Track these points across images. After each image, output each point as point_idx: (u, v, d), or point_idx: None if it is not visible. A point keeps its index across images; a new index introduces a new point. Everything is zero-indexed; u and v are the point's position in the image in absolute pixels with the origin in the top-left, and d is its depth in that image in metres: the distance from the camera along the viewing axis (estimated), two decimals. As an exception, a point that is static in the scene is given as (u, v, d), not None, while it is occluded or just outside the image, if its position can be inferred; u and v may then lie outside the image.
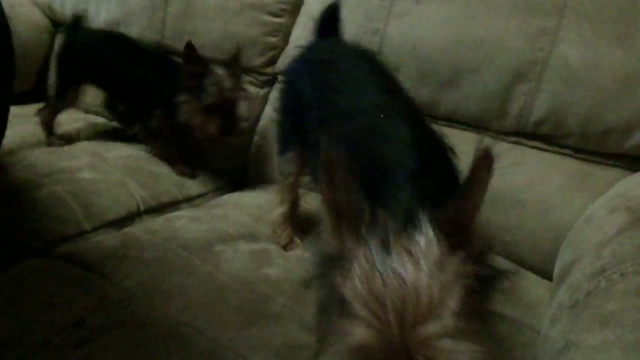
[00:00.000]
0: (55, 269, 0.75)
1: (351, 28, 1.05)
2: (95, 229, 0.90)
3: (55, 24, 1.51)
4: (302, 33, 1.14)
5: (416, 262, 0.41)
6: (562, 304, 0.62)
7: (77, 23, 1.24)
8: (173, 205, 1.04)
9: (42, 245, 0.83)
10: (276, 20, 1.17)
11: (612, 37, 0.85)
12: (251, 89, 1.19)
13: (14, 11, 1.39)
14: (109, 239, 0.86)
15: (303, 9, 1.16)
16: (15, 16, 1.39)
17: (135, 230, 0.89)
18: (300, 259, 0.84)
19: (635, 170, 0.87)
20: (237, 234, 0.89)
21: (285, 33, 1.18)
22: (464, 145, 0.96)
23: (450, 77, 0.98)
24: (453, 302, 0.39)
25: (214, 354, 0.63)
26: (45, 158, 1.07)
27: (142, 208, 0.99)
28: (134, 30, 1.30)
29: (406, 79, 1.01)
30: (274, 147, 1.11)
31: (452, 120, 1.01)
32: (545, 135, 0.94)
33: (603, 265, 0.59)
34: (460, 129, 1.01)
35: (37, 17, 1.49)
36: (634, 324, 0.46)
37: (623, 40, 0.85)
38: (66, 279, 0.73)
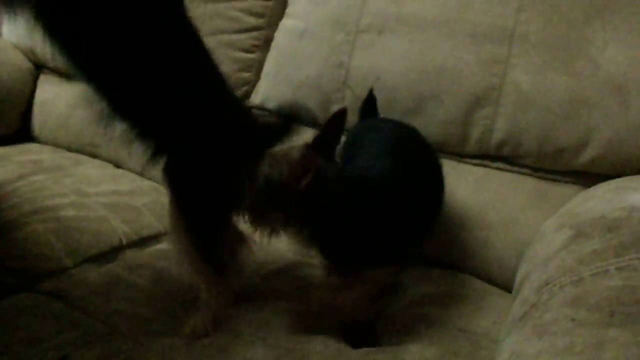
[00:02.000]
0: (39, 305, 0.79)
1: (316, 62, 1.11)
2: (77, 265, 0.93)
3: (38, 66, 1.56)
4: (272, 68, 1.19)
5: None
6: (513, 317, 0.66)
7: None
8: (155, 238, 1.07)
9: (24, 283, 0.86)
10: (249, 56, 1.23)
11: (557, 63, 0.91)
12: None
13: (-1, 56, 1.44)
14: (92, 275, 0.89)
15: (273, 44, 1.22)
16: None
17: (118, 266, 0.92)
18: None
19: (589, 186, 0.91)
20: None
21: (257, 68, 1.23)
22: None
23: (414, 105, 1.04)
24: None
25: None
26: (29, 197, 1.11)
27: (124, 242, 1.03)
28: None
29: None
30: None
31: (418, 145, 1.06)
32: (506, 157, 0.99)
33: (547, 278, 0.63)
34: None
35: (20, 61, 1.53)
36: (565, 331, 0.50)
37: (567, 65, 0.91)
38: (50, 314, 0.76)
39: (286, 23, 1.21)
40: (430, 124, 1.03)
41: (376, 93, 1.06)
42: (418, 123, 1.03)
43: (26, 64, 1.54)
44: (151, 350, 0.71)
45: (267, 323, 0.78)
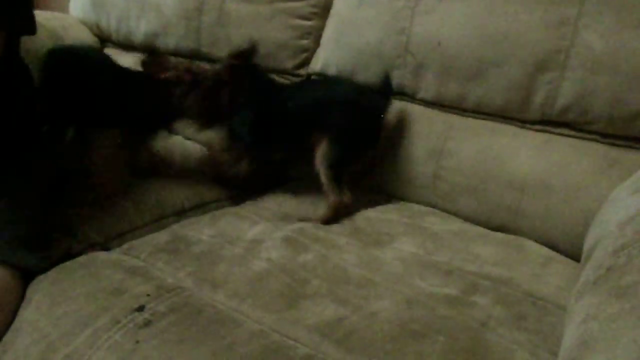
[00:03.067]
0: (117, 261, 0.83)
1: (377, 28, 1.10)
2: (145, 225, 0.98)
3: (102, 40, 1.61)
4: (332, 34, 1.19)
5: None
6: (586, 281, 0.64)
7: None
8: (216, 202, 1.11)
9: (103, 240, 0.93)
10: (307, 23, 1.23)
11: (633, 23, 0.87)
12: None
13: (66, 32, 1.49)
14: (159, 235, 0.93)
15: (332, 11, 1.21)
16: (67, 36, 1.50)
17: (183, 226, 0.96)
18: (335, 246, 0.89)
19: (664, 152, 0.88)
20: (274, 226, 0.95)
21: (316, 35, 1.23)
22: (491, 136, 1.00)
23: (476, 71, 1.01)
24: None
25: (261, 334, 0.69)
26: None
27: (186, 206, 1.06)
28: (172, 40, 1.38)
29: (433, 75, 1.06)
30: None
31: (479, 112, 1.05)
32: (571, 122, 0.96)
33: (624, 242, 0.61)
34: (487, 119, 1.04)
35: (86, 36, 1.58)
36: (646, 292, 0.49)
37: (644, 25, 0.86)
38: (127, 269, 0.80)
39: (345, -10, 1.20)
40: (491, 90, 1.01)
41: (436, 59, 1.05)
42: (479, 89, 1.02)
43: (91, 38, 1.59)
44: (216, 301, 0.75)
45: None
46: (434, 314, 0.73)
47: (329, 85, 1.15)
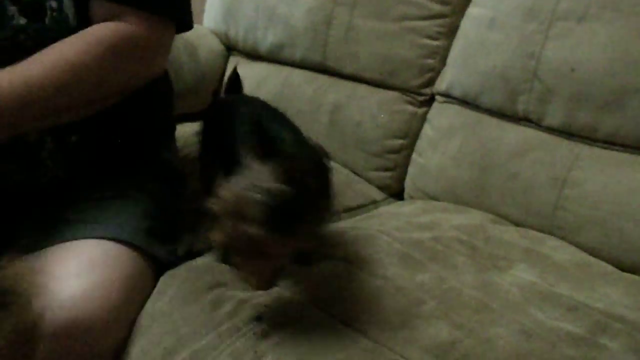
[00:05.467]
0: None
1: (505, 52, 1.09)
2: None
3: (229, 49, 1.71)
4: (458, 55, 1.18)
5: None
6: None
7: None
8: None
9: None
10: (433, 43, 1.23)
11: None
12: (410, 108, 1.27)
13: (199, 41, 1.61)
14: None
15: (459, 32, 1.21)
16: (199, 45, 1.61)
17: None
18: (452, 267, 0.88)
19: None
20: (391, 238, 0.95)
21: (442, 55, 1.23)
22: (624, 169, 0.95)
23: (613, 99, 0.96)
24: None
25: (374, 352, 0.70)
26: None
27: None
28: (298, 52, 1.44)
29: (562, 102, 1.02)
30: (433, 164, 1.19)
31: (613, 143, 0.99)
32: None
33: None
34: (620, 151, 0.99)
35: (215, 45, 1.69)
36: None
37: None
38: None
39: (473, 11, 1.19)
40: (629, 120, 0.95)
41: (566, 85, 1.01)
42: (613, 119, 0.97)
43: (219, 47, 1.70)
44: (332, 316, 0.76)
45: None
46: (555, 349, 0.71)
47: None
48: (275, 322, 0.74)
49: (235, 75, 1.09)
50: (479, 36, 1.15)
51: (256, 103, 0.94)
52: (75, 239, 0.83)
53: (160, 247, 0.90)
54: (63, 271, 0.78)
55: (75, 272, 0.78)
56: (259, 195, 0.61)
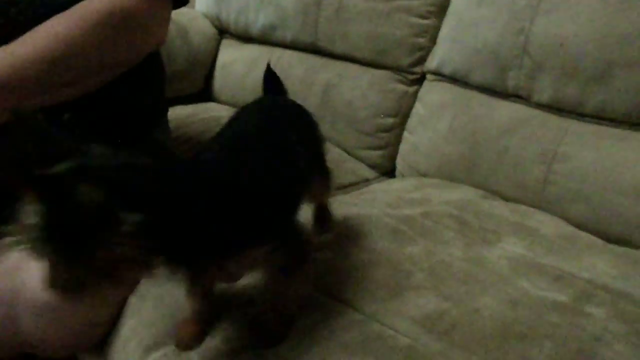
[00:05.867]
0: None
1: (495, 28, 1.09)
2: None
3: (221, 32, 1.71)
4: (449, 33, 1.19)
5: None
6: None
7: None
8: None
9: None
10: (423, 21, 1.23)
11: None
12: (400, 87, 1.27)
13: (191, 24, 1.61)
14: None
15: (449, 10, 1.21)
16: (191, 28, 1.61)
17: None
18: (442, 241, 0.89)
19: None
20: (381, 213, 0.96)
21: (432, 34, 1.24)
22: (612, 143, 0.96)
23: (600, 72, 0.97)
24: None
25: (362, 323, 0.71)
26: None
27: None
28: (289, 33, 1.44)
29: (550, 77, 1.03)
30: (424, 142, 1.20)
31: (600, 117, 1.00)
32: None
33: None
34: (608, 125, 1.00)
35: (207, 28, 1.69)
36: None
37: None
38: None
39: (463, -12, 1.19)
40: (616, 94, 0.96)
41: (555, 60, 1.02)
42: (601, 93, 0.97)
43: (212, 30, 1.70)
44: (319, 289, 0.77)
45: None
46: (541, 318, 0.72)
47: None
48: (265, 299, 0.75)
49: (269, 73, 0.90)
50: (469, 13, 1.15)
51: (263, 117, 0.79)
52: None
53: None
54: None
55: None
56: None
